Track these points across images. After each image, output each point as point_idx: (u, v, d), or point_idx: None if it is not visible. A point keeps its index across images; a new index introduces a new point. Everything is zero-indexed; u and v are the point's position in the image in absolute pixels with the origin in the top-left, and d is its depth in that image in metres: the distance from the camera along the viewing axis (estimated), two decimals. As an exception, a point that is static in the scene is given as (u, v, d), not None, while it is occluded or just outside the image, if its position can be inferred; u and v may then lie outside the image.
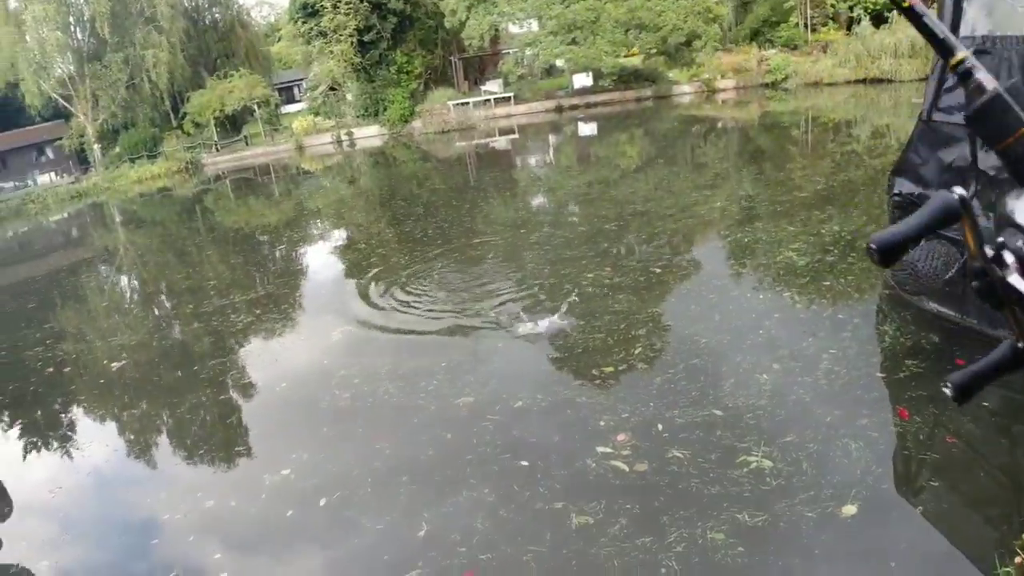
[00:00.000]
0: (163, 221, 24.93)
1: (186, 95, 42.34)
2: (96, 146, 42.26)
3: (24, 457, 7.17)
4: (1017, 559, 3.47)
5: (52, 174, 44.44)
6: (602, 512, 4.48)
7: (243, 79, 41.61)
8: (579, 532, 4.35)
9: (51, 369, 9.41)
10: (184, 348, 9.62)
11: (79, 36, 41.60)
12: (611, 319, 7.59)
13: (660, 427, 5.33)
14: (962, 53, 0.89)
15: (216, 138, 41.62)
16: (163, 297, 13.23)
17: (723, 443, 4.99)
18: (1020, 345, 0.93)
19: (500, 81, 39.93)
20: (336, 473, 5.58)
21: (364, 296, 9.89)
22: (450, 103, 37.45)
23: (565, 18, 33.88)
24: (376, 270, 11.16)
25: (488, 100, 38.04)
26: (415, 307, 9.09)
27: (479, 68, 44.38)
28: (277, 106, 44.23)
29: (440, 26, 38.39)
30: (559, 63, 37.83)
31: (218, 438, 6.85)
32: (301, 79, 48.63)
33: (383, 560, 4.48)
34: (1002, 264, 0.85)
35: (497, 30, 38.09)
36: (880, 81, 28.02)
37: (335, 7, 35.63)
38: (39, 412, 8.21)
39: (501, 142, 30.92)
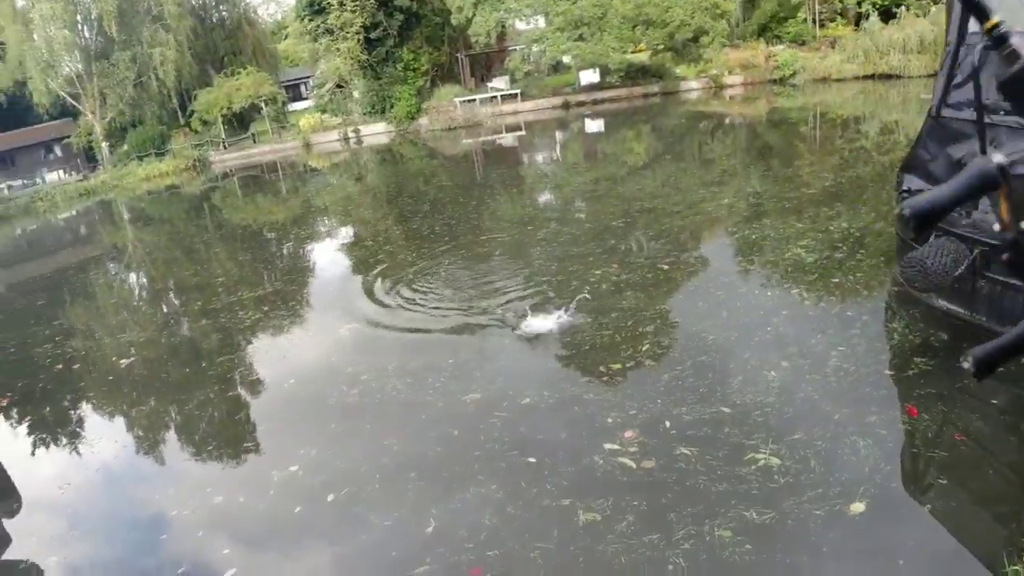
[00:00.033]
0: (171, 218, 25.01)
1: (193, 93, 42.50)
2: (104, 144, 42.47)
3: (33, 453, 7.21)
4: (1027, 557, 3.46)
5: (60, 172, 44.70)
6: (609, 509, 4.47)
7: (250, 77, 41.74)
8: (586, 529, 4.35)
9: (60, 366, 9.46)
10: (192, 345, 9.66)
11: (86, 34, 41.80)
12: (618, 316, 7.58)
13: (667, 424, 5.32)
14: (997, 17, 0.87)
15: (223, 136, 41.74)
16: (171, 294, 13.27)
17: (731, 440, 4.98)
18: None
19: (507, 78, 39.93)
20: (344, 469, 5.60)
21: (372, 293, 9.90)
22: (457, 100, 37.46)
23: (572, 14, 33.84)
24: (383, 267, 11.18)
25: (495, 97, 38.04)
26: (422, 304, 9.10)
27: (486, 65, 44.37)
28: (284, 104, 44.36)
29: (447, 23, 38.38)
30: (566, 59, 37.81)
31: (226, 434, 6.88)
32: (308, 77, 48.70)
33: (391, 556, 4.49)
34: None
35: (504, 26, 38.08)
36: (889, 77, 27.88)
37: (342, 4, 35.67)
38: (48, 408, 8.25)
39: (508, 139, 30.90)
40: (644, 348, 6.75)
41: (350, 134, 38.88)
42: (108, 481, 6.40)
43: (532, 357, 6.99)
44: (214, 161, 40.15)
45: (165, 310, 12.24)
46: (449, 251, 11.65)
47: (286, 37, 58.11)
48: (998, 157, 0.85)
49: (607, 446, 5.16)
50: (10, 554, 5.47)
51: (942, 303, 6.29)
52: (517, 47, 40.40)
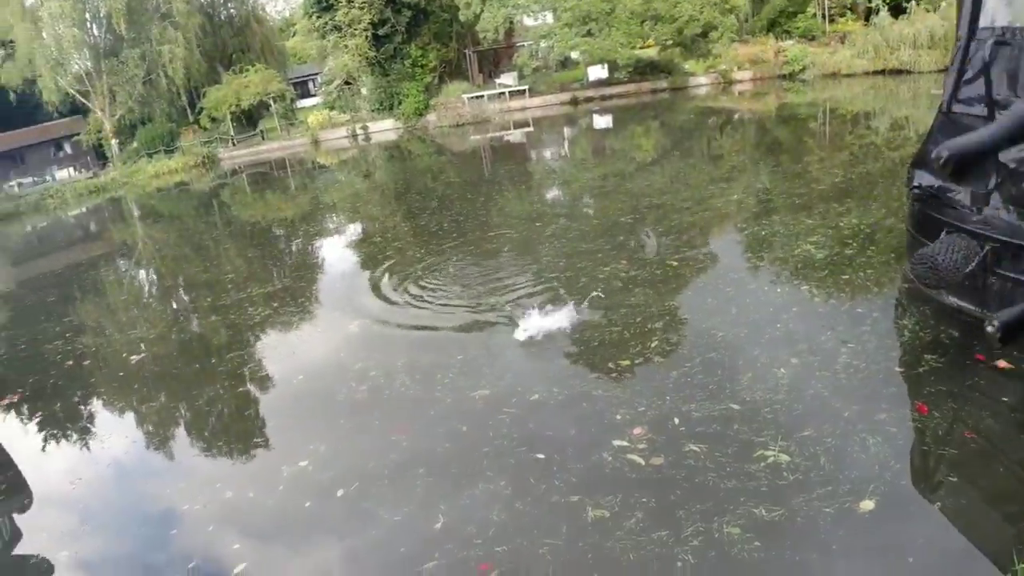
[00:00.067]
0: (181, 215, 25.10)
1: (202, 90, 42.61)
2: (113, 141, 42.65)
3: (44, 449, 7.26)
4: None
5: (70, 169, 44.91)
6: (618, 506, 4.48)
7: (258, 74, 41.82)
8: (595, 525, 4.36)
9: (71, 362, 9.52)
10: (202, 341, 9.70)
11: (95, 32, 41.92)
12: (627, 312, 7.58)
13: (676, 421, 5.32)
14: None
15: (232, 133, 41.86)
16: (181, 291, 13.33)
17: (740, 437, 4.98)
18: None
19: (515, 74, 39.84)
20: (353, 465, 5.62)
21: (380, 290, 9.92)
22: (465, 96, 37.44)
23: (580, 10, 33.73)
24: (392, 264, 11.19)
25: (503, 93, 37.97)
26: (431, 301, 9.11)
27: (494, 61, 44.29)
28: (292, 100, 44.43)
29: (454, 19, 38.32)
30: (574, 55, 37.70)
31: (236, 430, 6.91)
32: (316, 73, 48.80)
33: (400, 552, 4.51)
34: None
35: (512, 22, 38.02)
36: (899, 72, 27.71)
37: (350, 1, 35.68)
38: (59, 404, 8.30)
39: (516, 135, 30.86)
40: (653, 344, 6.75)
41: (358, 131, 38.92)
42: (119, 476, 6.44)
43: (541, 353, 6.98)
44: (223, 158, 40.27)
45: (175, 306, 12.29)
46: (457, 247, 11.65)
47: (294, 34, 58.20)
48: None
49: (616, 443, 5.16)
50: (21, 549, 5.51)
51: (953, 300, 6.26)
52: (525, 43, 40.30)
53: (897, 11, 30.37)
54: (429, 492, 5.05)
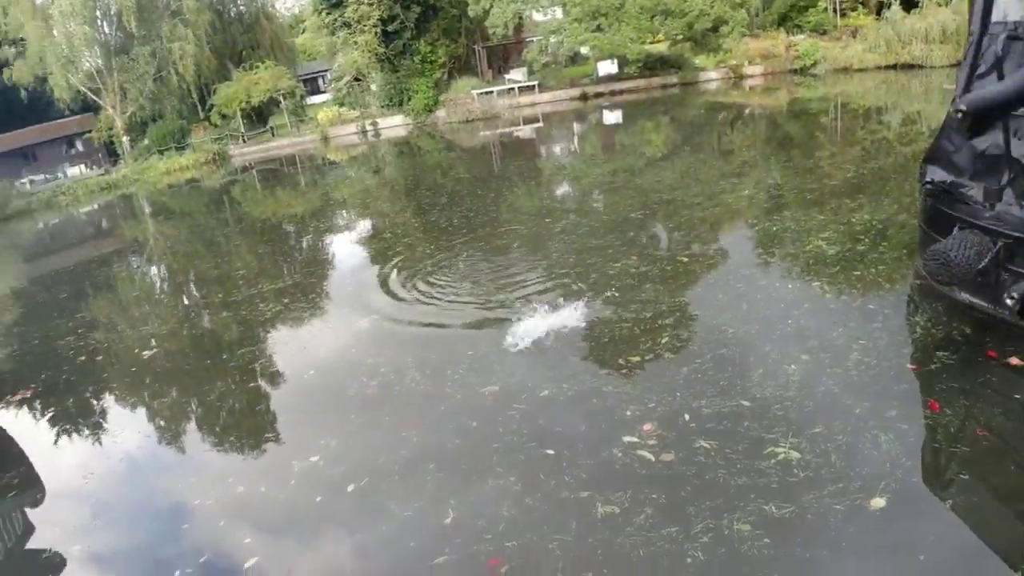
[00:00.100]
0: (192, 212, 25.22)
1: (213, 87, 42.76)
2: (125, 138, 42.87)
3: (57, 444, 7.32)
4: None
5: (82, 166, 45.15)
6: (628, 502, 4.48)
7: (268, 71, 41.92)
8: (605, 521, 4.36)
9: (83, 358, 9.59)
10: (214, 337, 9.75)
11: (106, 30, 42.11)
12: (638, 308, 7.56)
13: (687, 417, 5.31)
14: None
15: (243, 129, 42.02)
16: (192, 287, 13.41)
17: (750, 434, 4.97)
18: None
19: (524, 69, 39.80)
20: (364, 460, 5.64)
21: (391, 286, 9.95)
22: (474, 92, 37.42)
23: (590, 5, 33.64)
24: (402, 260, 11.22)
25: (512, 89, 37.94)
26: (440, 297, 9.12)
27: (503, 56, 44.26)
28: (302, 97, 44.51)
29: (464, 15, 38.31)
30: (584, 50, 37.62)
31: (248, 425, 6.95)
32: (326, 70, 48.86)
33: (410, 547, 4.53)
34: None
35: (521, 18, 37.96)
36: (911, 67, 27.51)
37: (359, -2, 35.72)
38: (71, 400, 8.37)
39: (525, 131, 30.83)
40: (663, 341, 6.74)
41: (368, 127, 38.98)
42: (131, 471, 6.49)
43: (551, 349, 6.98)
44: (233, 155, 40.43)
45: (186, 302, 12.36)
46: (467, 244, 11.66)
47: (303, 31, 58.34)
48: None
49: (626, 439, 5.16)
50: (34, 543, 5.57)
51: (965, 296, 6.23)
52: (534, 38, 40.24)
53: (909, 5, 30.13)
54: (439, 487, 5.07)
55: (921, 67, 27.11)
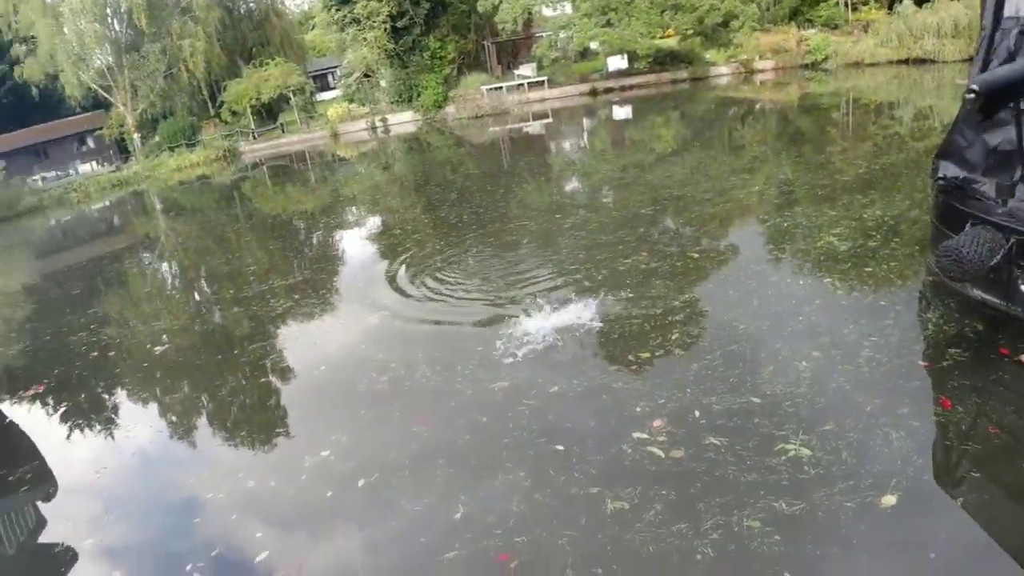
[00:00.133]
0: (202, 208, 25.34)
1: (223, 84, 42.95)
2: (136, 135, 43.12)
3: (69, 439, 7.38)
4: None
5: (93, 163, 45.45)
6: (637, 498, 4.48)
7: (278, 67, 42.08)
8: (614, 517, 4.36)
9: (95, 353, 9.66)
10: (225, 332, 9.81)
11: (116, 27, 42.36)
12: (648, 304, 7.55)
13: (697, 414, 5.31)
14: None
15: (253, 126, 42.19)
16: (203, 282, 13.47)
17: (761, 431, 4.96)
18: None
19: (534, 65, 39.78)
20: (374, 455, 5.66)
21: (401, 282, 9.97)
22: (483, 88, 37.43)
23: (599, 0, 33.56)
24: (412, 256, 11.23)
25: (522, 84, 37.93)
26: (450, 293, 9.14)
27: (512, 52, 44.22)
28: (312, 94, 44.67)
29: (473, 10, 38.28)
30: (593, 46, 37.52)
31: (258, 420, 6.99)
32: (335, 66, 48.90)
33: (420, 542, 4.54)
34: None
35: (530, 13, 37.92)
36: (923, 61, 27.31)
37: (368, -6, 35.75)
38: (84, 395, 8.43)
39: (535, 126, 30.81)
40: (674, 337, 6.73)
41: (377, 123, 39.05)
42: (143, 465, 6.54)
43: (561, 345, 6.98)
44: (244, 151, 40.60)
45: (197, 298, 12.43)
46: (477, 240, 11.67)
47: (313, 27, 58.41)
48: None
49: (636, 435, 5.16)
50: (46, 537, 5.62)
51: (977, 293, 6.18)
52: (544, 33, 40.18)
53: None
54: (449, 483, 5.08)
55: (933, 62, 26.91)
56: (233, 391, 7.63)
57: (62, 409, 8.19)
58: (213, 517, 5.35)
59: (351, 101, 41.20)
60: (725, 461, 4.68)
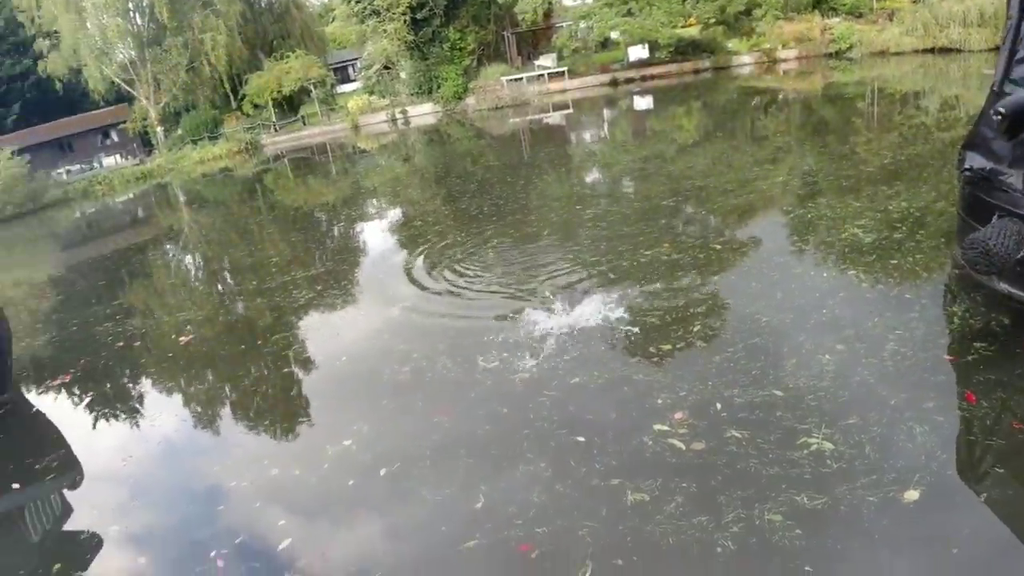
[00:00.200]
0: (225, 201, 25.57)
1: (244, 77, 43.25)
2: (159, 128, 43.58)
3: (95, 427, 7.50)
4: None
5: (117, 156, 46.05)
6: (658, 490, 4.48)
7: (299, 60, 42.27)
8: (635, 509, 4.37)
9: (121, 343, 9.80)
10: (248, 323, 9.90)
11: (138, 21, 42.81)
12: (669, 296, 7.53)
13: (719, 406, 5.29)
14: None
15: (274, 119, 42.47)
16: (227, 274, 13.60)
17: (783, 424, 4.93)
18: None
19: (554, 55, 39.61)
20: (396, 445, 5.70)
21: (421, 274, 10.01)
22: (503, 79, 37.35)
23: (620, -11, 33.36)
24: (433, 247, 11.27)
25: (542, 75, 37.81)
26: (471, 285, 9.16)
27: (532, 43, 44.07)
28: (333, 86, 44.88)
29: (492, 1, 38.18)
30: (614, 35, 37.34)
31: (282, 409, 7.05)
32: (355, 59, 49.13)
33: (441, 531, 4.58)
34: None
35: (550, 3, 37.85)
36: (948, 51, 26.88)
37: (388, -15, 35.79)
38: (109, 385, 8.56)
39: (555, 117, 30.71)
40: (695, 329, 6.70)
41: (397, 115, 39.15)
42: (168, 454, 6.64)
43: (582, 337, 6.98)
44: (265, 144, 40.89)
45: (221, 289, 12.56)
46: (497, 231, 11.67)
47: (333, 20, 58.61)
48: None
49: (657, 427, 5.15)
50: (72, 524, 5.73)
51: (1004, 286, 6.09)
52: (564, 24, 40.02)
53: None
54: (470, 473, 5.11)
55: (959, 51, 26.48)
56: (256, 381, 7.72)
57: (88, 398, 8.33)
58: (237, 505, 5.42)
59: (371, 93, 41.32)
60: (747, 454, 4.66)
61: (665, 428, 5.12)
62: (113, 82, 42.38)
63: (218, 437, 6.81)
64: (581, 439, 5.22)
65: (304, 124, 42.15)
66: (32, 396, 8.66)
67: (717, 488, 4.41)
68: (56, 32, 41.40)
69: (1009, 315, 5.87)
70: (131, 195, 33.90)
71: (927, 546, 3.81)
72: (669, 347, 6.44)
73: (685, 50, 34.82)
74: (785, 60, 32.54)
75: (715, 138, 18.56)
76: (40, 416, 8.10)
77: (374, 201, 19.15)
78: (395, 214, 16.44)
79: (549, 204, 13.60)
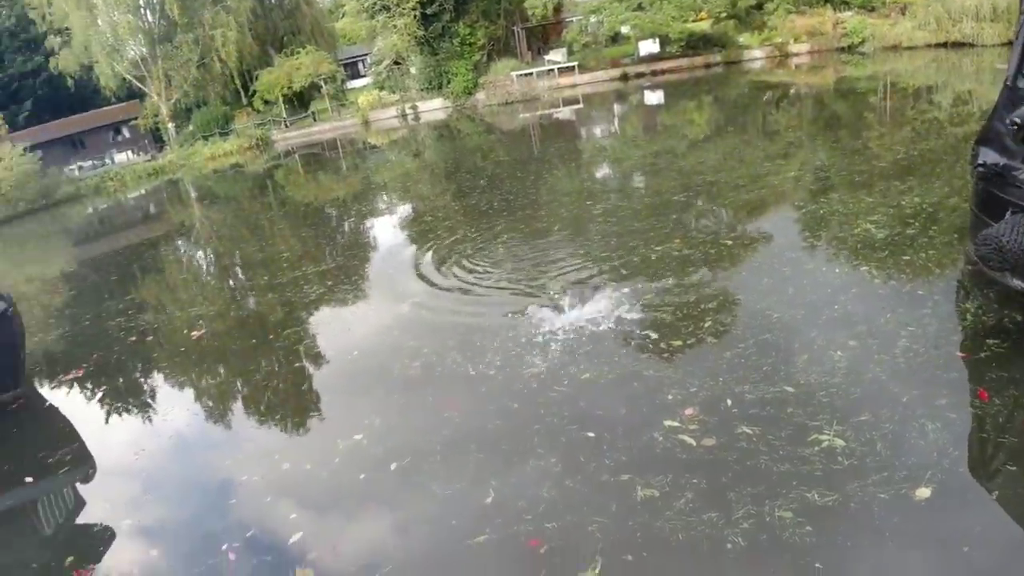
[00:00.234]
0: (236, 196, 25.67)
1: (255, 73, 43.37)
2: (170, 124, 43.78)
3: (108, 421, 7.56)
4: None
5: (129, 152, 46.33)
6: (668, 486, 4.48)
7: (309, 56, 42.34)
8: (644, 504, 4.37)
9: (133, 338, 9.87)
10: (259, 318, 9.95)
11: (149, 18, 43.03)
12: (680, 291, 7.51)
13: (729, 402, 5.28)
14: None
15: (285, 115, 42.57)
16: (238, 269, 13.67)
17: (794, 420, 4.92)
18: None
19: (564, 50, 39.48)
20: (407, 440, 5.73)
21: (431, 269, 10.02)
22: (513, 74, 37.27)
23: (631, -16, 33.22)
24: (442, 243, 11.28)
25: (552, 70, 37.69)
26: (481, 281, 9.17)
27: (542, 37, 43.93)
28: (343, 82, 44.89)
29: (503, -4, 38.12)
30: (624, 30, 37.13)
31: (293, 404, 7.09)
32: (365, 54, 49.11)
33: (451, 525, 4.60)
34: None
35: (560, -2, 37.65)
36: (961, 45, 26.64)
37: (398, -20, 35.77)
38: (122, 379, 8.63)
39: (565, 112, 30.64)
40: (706, 325, 6.68)
41: (408, 110, 39.17)
42: (180, 448, 6.68)
43: (592, 332, 6.97)
44: (276, 140, 41.00)
45: (232, 284, 12.62)
46: (507, 227, 11.67)
47: (343, 15, 58.55)
48: None
49: (667, 423, 5.15)
50: (84, 517, 5.78)
51: (1017, 283, 6.04)
52: (574, 18, 39.90)
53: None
54: (480, 468, 5.13)
55: (972, 45, 26.24)
56: (268, 375, 7.76)
57: (101, 393, 8.40)
58: (248, 499, 5.45)
59: (381, 88, 41.35)
60: (757, 450, 4.65)
61: (676, 424, 5.11)
62: (124, 79, 42.62)
63: (229, 431, 6.85)
64: (591, 434, 5.22)
65: (314, 120, 42.24)
66: (45, 390, 8.75)
67: (727, 484, 4.40)
68: (67, 29, 41.64)
69: (1022, 312, 5.82)
70: (143, 191, 34.09)
71: (938, 544, 3.80)
72: (680, 343, 6.42)
73: (696, 44, 34.63)
74: (797, 54, 32.33)
75: (726, 133, 18.47)
76: (53, 410, 8.18)
77: (384, 197, 19.18)
78: (405, 209, 16.47)
79: (559, 199, 13.59)
